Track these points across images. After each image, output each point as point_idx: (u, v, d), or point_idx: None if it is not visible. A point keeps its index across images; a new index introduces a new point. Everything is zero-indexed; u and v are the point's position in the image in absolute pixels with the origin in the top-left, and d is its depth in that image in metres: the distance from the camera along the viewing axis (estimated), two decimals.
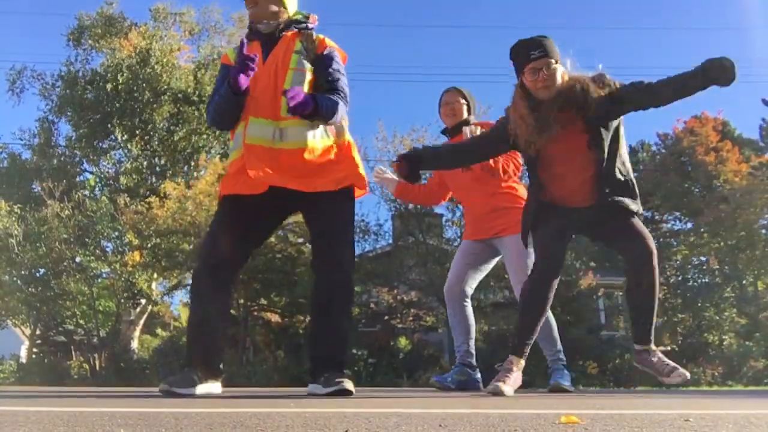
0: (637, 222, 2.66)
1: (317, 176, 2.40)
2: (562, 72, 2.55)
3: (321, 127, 2.45)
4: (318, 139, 2.44)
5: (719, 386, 9.44)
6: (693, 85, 2.43)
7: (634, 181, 2.70)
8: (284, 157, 2.39)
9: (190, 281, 12.27)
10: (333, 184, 2.41)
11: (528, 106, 2.57)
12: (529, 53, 2.53)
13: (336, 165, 2.46)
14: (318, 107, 2.34)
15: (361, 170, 2.57)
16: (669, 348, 10.53)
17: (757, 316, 11.65)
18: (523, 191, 3.35)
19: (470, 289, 3.49)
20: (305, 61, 2.46)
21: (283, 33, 2.52)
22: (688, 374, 2.59)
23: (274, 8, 2.51)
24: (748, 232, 12.86)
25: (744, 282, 12.97)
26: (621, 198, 2.61)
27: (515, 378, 2.58)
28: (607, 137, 2.59)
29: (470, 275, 3.47)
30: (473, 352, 3.44)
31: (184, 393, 2.18)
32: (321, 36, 2.56)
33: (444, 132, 3.59)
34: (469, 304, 3.47)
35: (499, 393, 2.46)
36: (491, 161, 3.15)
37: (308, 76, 2.45)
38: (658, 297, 2.64)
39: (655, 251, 2.59)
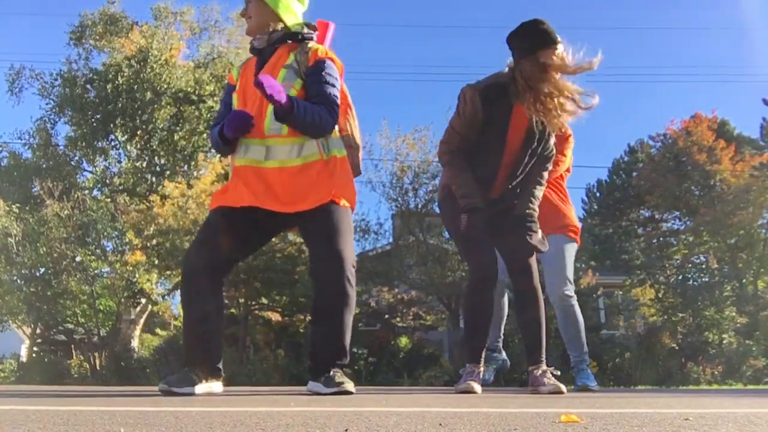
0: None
1: (302, 195, 2.35)
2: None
3: (308, 142, 2.39)
4: (303, 155, 2.39)
5: (719, 385, 9.43)
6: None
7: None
8: (269, 175, 2.37)
9: None
10: (316, 202, 2.35)
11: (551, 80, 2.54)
12: (557, 38, 2.57)
13: (321, 182, 2.38)
14: (294, 106, 2.27)
15: (351, 186, 2.51)
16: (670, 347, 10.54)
17: (757, 314, 11.64)
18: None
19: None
20: (295, 76, 2.42)
21: (277, 47, 2.48)
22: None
23: (268, 22, 2.48)
24: (748, 231, 12.86)
25: (744, 281, 12.96)
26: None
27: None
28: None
29: None
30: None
31: (183, 392, 2.18)
32: (316, 46, 2.49)
33: None
34: (505, 294, 3.69)
35: (471, 391, 2.66)
36: None
37: (294, 93, 2.39)
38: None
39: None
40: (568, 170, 3.63)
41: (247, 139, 2.41)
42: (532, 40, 2.58)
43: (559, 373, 2.87)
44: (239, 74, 2.57)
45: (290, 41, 2.50)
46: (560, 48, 2.56)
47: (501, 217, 2.81)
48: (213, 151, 15.34)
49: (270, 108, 2.35)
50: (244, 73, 2.53)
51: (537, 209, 2.79)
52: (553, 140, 2.83)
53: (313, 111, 2.33)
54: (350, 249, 2.38)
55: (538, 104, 2.56)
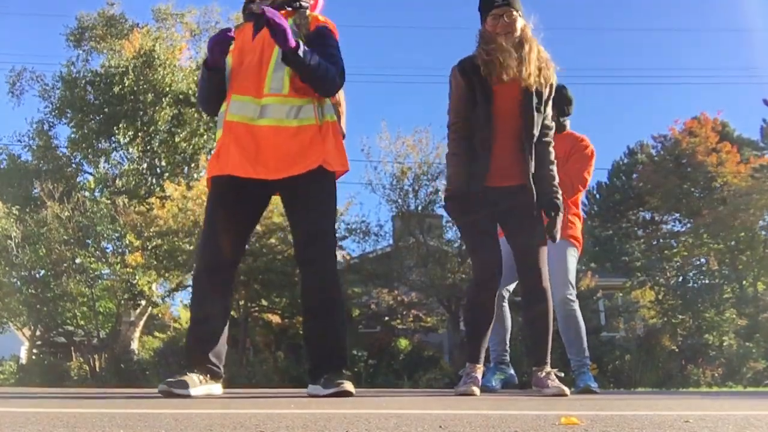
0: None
1: (291, 160, 2.31)
2: (523, 24, 2.70)
3: (306, 105, 2.36)
4: (300, 118, 2.34)
5: (719, 387, 9.43)
6: (538, 188, 2.70)
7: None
8: (262, 134, 2.31)
9: (190, 283, 12.25)
10: (306, 166, 2.31)
11: (485, 49, 2.67)
12: (494, 1, 2.70)
13: (313, 147, 2.34)
14: (301, 48, 2.23)
15: (342, 149, 2.47)
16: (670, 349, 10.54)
17: (757, 317, 11.64)
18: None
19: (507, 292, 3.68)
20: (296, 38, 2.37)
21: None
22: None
23: None
24: (748, 233, 12.87)
25: (744, 283, 12.96)
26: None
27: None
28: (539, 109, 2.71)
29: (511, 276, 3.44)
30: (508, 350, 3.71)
31: (182, 394, 2.17)
32: (315, 14, 2.51)
33: None
34: (506, 302, 3.71)
35: (470, 393, 2.64)
36: None
37: None
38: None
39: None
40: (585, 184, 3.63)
41: (240, 96, 2.35)
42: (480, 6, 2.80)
43: (562, 375, 2.86)
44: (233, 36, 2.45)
45: (288, 8, 2.47)
46: (502, 11, 2.68)
47: (510, 208, 2.75)
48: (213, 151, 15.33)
49: (271, 67, 2.33)
50: (240, 35, 2.45)
51: (559, 193, 2.75)
52: (550, 109, 2.81)
53: (321, 62, 2.29)
54: (333, 235, 2.42)
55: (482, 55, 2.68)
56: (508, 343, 3.70)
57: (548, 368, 2.75)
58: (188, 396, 2.17)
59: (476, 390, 2.68)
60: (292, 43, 2.22)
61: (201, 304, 2.38)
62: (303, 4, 2.51)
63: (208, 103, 2.55)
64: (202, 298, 2.39)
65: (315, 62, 2.28)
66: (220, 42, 2.31)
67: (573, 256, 3.58)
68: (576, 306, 3.48)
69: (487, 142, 2.67)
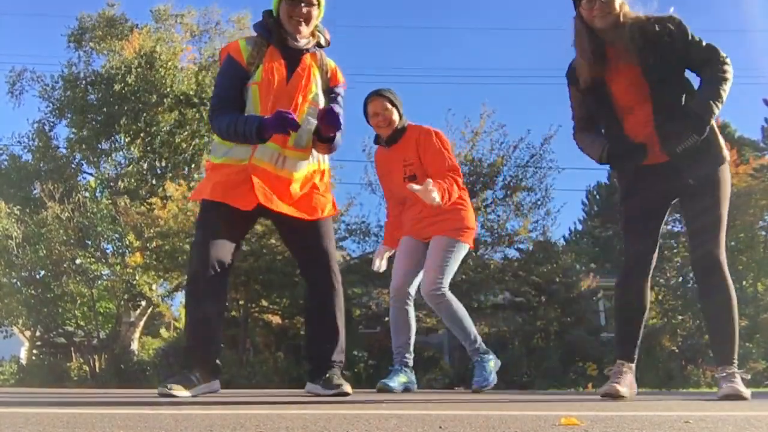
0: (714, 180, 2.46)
1: (302, 204, 2.48)
2: (620, 2, 2.49)
3: (312, 155, 2.52)
4: (308, 167, 2.51)
5: (719, 388, 9.42)
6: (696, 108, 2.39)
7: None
8: (279, 181, 2.43)
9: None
10: (317, 213, 2.50)
11: (588, 37, 2.51)
12: None
13: (320, 194, 2.54)
14: (341, 132, 2.46)
15: (331, 195, 2.65)
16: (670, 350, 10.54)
17: (756, 317, 11.63)
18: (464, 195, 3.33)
19: (413, 291, 3.39)
20: (320, 92, 2.50)
21: (304, 52, 2.49)
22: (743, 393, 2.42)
23: (315, 30, 2.51)
24: (748, 234, 12.85)
25: (744, 283, 12.94)
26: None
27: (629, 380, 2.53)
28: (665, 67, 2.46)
29: (415, 275, 3.35)
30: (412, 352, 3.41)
31: (182, 395, 2.18)
32: (333, 65, 2.59)
33: (378, 141, 3.40)
34: (411, 305, 3.40)
35: (614, 394, 2.41)
36: (437, 197, 2.89)
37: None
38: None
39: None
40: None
41: (268, 143, 2.39)
42: None
43: (749, 377, 2.60)
44: (251, 56, 2.42)
45: (314, 50, 2.55)
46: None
47: (672, 187, 2.54)
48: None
49: (300, 121, 2.38)
50: (268, 65, 2.41)
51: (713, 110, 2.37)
52: (700, 42, 2.47)
53: (341, 135, 2.52)
54: (334, 255, 2.59)
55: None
56: (412, 346, 3.38)
57: (731, 368, 2.48)
58: (187, 397, 2.18)
59: (623, 390, 2.43)
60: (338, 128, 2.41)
61: (200, 304, 2.39)
62: (324, 45, 2.57)
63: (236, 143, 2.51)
64: (201, 299, 2.39)
65: (340, 140, 2.52)
66: (284, 128, 2.31)
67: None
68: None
69: (619, 122, 2.58)
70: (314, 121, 2.37)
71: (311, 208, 2.49)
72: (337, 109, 2.40)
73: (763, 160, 14.67)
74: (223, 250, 2.40)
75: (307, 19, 2.41)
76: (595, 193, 24.69)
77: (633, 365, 2.56)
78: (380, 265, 3.54)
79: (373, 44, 46.71)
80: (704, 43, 2.46)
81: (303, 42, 2.45)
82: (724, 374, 2.46)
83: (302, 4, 2.38)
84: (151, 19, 15.89)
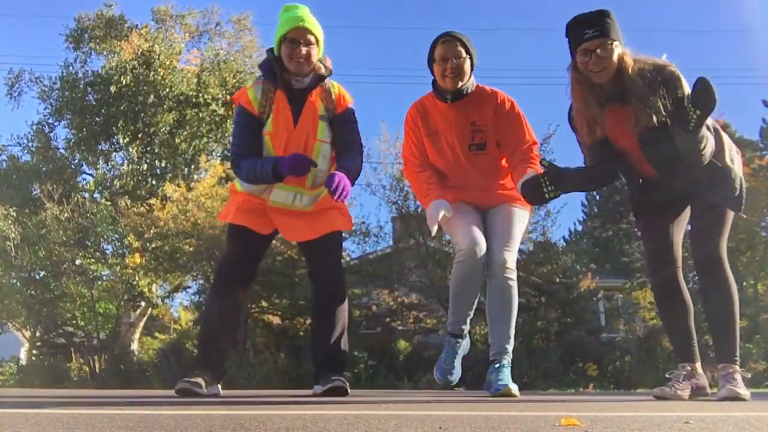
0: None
1: (317, 222, 2.59)
2: (620, 53, 2.26)
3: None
4: (318, 193, 2.59)
5: (719, 388, 9.43)
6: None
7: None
8: (293, 212, 2.58)
9: (191, 284, 12.21)
10: (330, 228, 2.60)
11: (586, 90, 2.32)
12: (583, 32, 2.26)
13: (335, 209, 2.61)
14: (352, 183, 2.49)
15: (346, 210, 2.72)
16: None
17: (757, 318, 11.64)
18: None
19: None
20: (327, 126, 2.55)
21: (309, 90, 2.52)
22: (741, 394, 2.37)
23: (315, 65, 2.50)
24: (749, 234, 12.86)
25: (744, 284, 12.95)
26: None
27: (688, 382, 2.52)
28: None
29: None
30: None
31: (199, 392, 2.35)
32: (337, 90, 2.60)
33: (437, 91, 2.67)
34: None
35: (668, 397, 2.43)
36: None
37: (330, 149, 2.57)
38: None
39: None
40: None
41: (284, 186, 2.51)
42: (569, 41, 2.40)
43: (749, 375, 2.54)
44: (261, 105, 2.50)
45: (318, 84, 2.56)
46: (594, 45, 2.25)
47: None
48: (214, 153, 15.45)
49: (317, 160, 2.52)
50: (276, 114, 2.49)
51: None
52: (685, 88, 2.25)
53: (355, 172, 2.57)
54: (341, 265, 2.77)
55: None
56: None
57: (733, 366, 2.43)
58: (203, 395, 2.36)
59: (684, 394, 2.40)
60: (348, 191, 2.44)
61: (218, 314, 2.57)
62: (326, 75, 2.57)
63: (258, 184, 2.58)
64: (220, 309, 2.57)
65: (356, 178, 2.59)
66: (301, 170, 2.39)
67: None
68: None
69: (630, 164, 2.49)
70: (327, 160, 2.55)
71: (325, 225, 2.58)
72: (343, 166, 2.48)
73: (763, 161, 14.68)
74: (243, 270, 2.63)
75: (308, 59, 2.46)
76: (594, 193, 24.69)
77: (697, 364, 2.57)
78: (437, 224, 2.63)
79: (373, 44, 46.74)
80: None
81: (306, 81, 2.51)
82: (725, 373, 2.43)
83: (301, 45, 2.44)
84: (151, 19, 15.89)
